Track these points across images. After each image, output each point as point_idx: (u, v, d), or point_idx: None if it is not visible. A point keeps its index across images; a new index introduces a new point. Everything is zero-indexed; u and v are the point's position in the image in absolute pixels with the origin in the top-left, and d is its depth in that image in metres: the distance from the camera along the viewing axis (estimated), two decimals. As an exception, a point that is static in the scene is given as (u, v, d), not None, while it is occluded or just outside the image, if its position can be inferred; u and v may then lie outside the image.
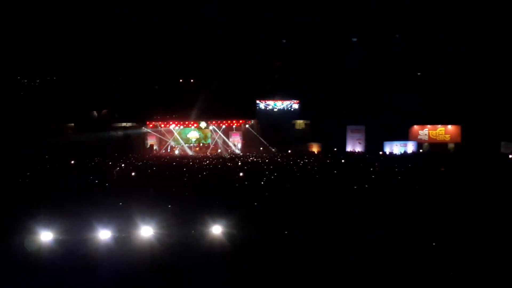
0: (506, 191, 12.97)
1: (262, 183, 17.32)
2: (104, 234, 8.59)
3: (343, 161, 27.70)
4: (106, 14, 35.19)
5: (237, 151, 39.60)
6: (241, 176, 19.16)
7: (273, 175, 19.53)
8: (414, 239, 8.41)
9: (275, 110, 42.19)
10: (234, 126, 41.21)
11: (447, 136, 38.51)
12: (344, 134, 38.84)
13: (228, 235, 8.68)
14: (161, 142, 41.51)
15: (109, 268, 7.61)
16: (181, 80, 42.75)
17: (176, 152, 40.04)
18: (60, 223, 8.82)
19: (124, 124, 41.88)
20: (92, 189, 15.87)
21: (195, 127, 41.35)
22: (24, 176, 19.33)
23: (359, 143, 38.51)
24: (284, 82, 41.18)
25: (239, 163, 26.58)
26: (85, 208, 10.57)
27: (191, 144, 41.69)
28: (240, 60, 38.64)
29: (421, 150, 37.72)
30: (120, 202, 11.99)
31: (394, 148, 37.05)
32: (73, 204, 11.24)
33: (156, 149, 40.72)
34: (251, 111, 41.32)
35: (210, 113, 39.91)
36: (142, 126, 40.66)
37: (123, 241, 8.56)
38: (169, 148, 41.11)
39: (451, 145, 38.16)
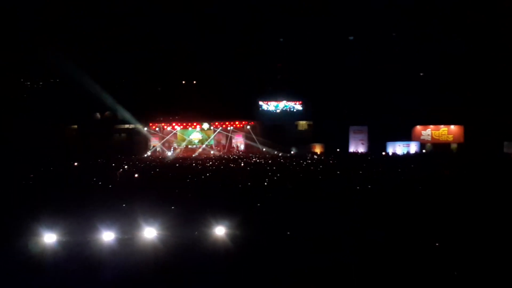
0: (509, 191, 12.95)
1: (265, 183, 17.33)
2: (107, 236, 8.61)
3: (345, 161, 27.66)
4: (106, 14, 35.26)
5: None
6: (244, 177, 19.17)
7: (275, 176, 19.54)
8: (416, 239, 8.41)
9: (278, 111, 42.20)
10: (235, 127, 41.26)
11: (450, 136, 38.44)
12: (346, 135, 38.78)
13: (231, 236, 8.70)
14: (164, 143, 41.51)
15: (112, 270, 7.63)
16: (183, 82, 42.80)
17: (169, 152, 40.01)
18: (64, 225, 8.84)
19: (127, 125, 41.92)
20: (96, 190, 15.90)
21: (199, 128, 41.37)
22: (28, 178, 19.38)
23: (362, 143, 38.46)
24: (287, 83, 41.19)
25: (242, 164, 26.60)
26: (89, 210, 10.60)
27: (194, 146, 41.69)
28: (243, 61, 38.65)
29: (424, 151, 37.64)
30: (124, 204, 12.01)
31: (397, 148, 36.98)
32: (77, 206, 11.27)
33: (159, 150, 40.74)
34: (253, 112, 41.32)
35: (213, 114, 39.95)
36: (145, 128, 40.70)
37: (126, 243, 8.59)
38: (171, 149, 41.07)
39: (454, 145, 38.09)
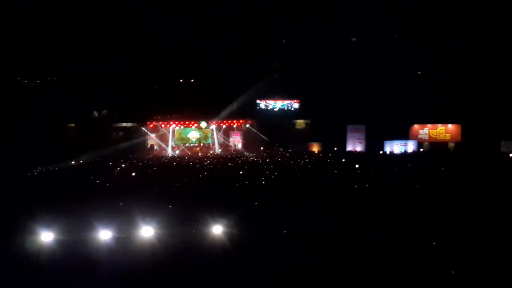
0: (506, 190, 12.98)
1: (263, 182, 17.35)
2: (104, 234, 8.61)
3: (343, 160, 27.69)
4: (106, 14, 35.18)
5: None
6: (242, 176, 19.19)
7: (273, 175, 19.55)
8: (413, 238, 8.42)
9: (276, 109, 42.19)
10: (234, 126, 41.23)
11: (447, 135, 38.47)
12: (344, 134, 38.80)
13: (228, 235, 8.70)
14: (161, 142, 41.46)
15: (109, 269, 7.63)
16: (181, 80, 42.75)
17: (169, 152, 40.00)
18: (61, 224, 8.84)
19: (124, 124, 41.87)
20: (93, 189, 15.88)
21: (196, 127, 41.33)
22: (25, 177, 19.36)
23: (360, 142, 38.47)
24: (285, 81, 41.15)
25: (240, 163, 26.62)
26: (86, 209, 10.59)
27: (191, 144, 41.64)
28: (241, 60, 38.62)
29: (421, 149, 37.69)
30: (121, 202, 12.00)
31: (395, 147, 37.02)
32: (74, 205, 11.26)
33: (156, 149, 40.68)
34: (251, 111, 41.31)
35: (210, 113, 39.92)
36: (142, 126, 40.64)
37: (123, 241, 8.58)
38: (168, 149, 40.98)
39: (451, 144, 38.11)
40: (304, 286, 6.99)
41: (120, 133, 41.73)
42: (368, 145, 37.84)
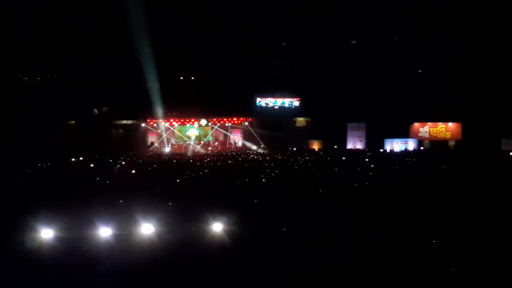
0: (507, 188, 12.97)
1: (263, 180, 17.35)
2: (104, 232, 8.60)
3: (343, 158, 27.68)
4: (106, 14, 35.11)
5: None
6: (242, 174, 19.18)
7: (273, 173, 19.55)
8: (413, 238, 8.40)
9: (276, 107, 42.17)
10: (233, 124, 41.24)
11: (447, 133, 38.44)
12: (344, 132, 38.78)
13: (228, 233, 8.69)
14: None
15: (109, 266, 7.62)
16: (181, 78, 42.69)
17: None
18: (61, 221, 8.83)
19: (124, 121, 41.86)
20: (93, 186, 15.87)
21: (196, 123, 41.30)
22: (25, 174, 19.34)
23: (360, 140, 38.45)
24: (285, 79, 41.11)
25: (240, 160, 26.61)
26: (86, 206, 10.58)
27: (191, 142, 41.60)
28: (241, 57, 38.56)
29: (422, 148, 37.68)
30: (121, 200, 11.99)
31: (395, 145, 36.99)
32: (74, 202, 11.25)
33: (156, 146, 40.67)
34: (251, 109, 41.29)
35: (210, 111, 39.90)
36: (142, 124, 40.63)
37: (123, 239, 8.57)
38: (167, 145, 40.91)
39: (451, 143, 38.09)
40: (304, 287, 6.97)
41: (120, 131, 41.73)
42: (368, 143, 37.82)
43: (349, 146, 38.43)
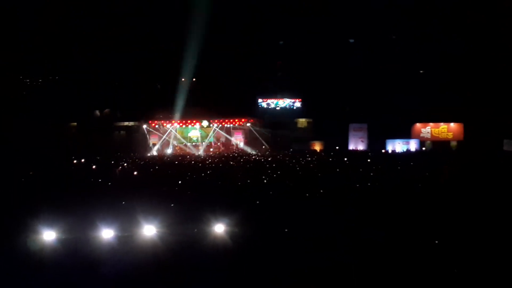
0: (509, 189, 12.96)
1: (265, 181, 17.35)
2: (107, 233, 8.61)
3: (345, 159, 27.66)
4: (106, 14, 35.19)
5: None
6: (244, 175, 19.19)
7: (275, 174, 19.55)
8: (413, 238, 8.40)
9: (278, 108, 42.18)
10: (236, 125, 41.23)
11: (449, 134, 38.42)
12: (346, 133, 38.74)
13: (230, 234, 8.70)
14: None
15: (112, 267, 7.63)
16: (183, 79, 42.73)
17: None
18: (63, 223, 8.85)
19: (126, 123, 41.90)
20: (95, 188, 15.90)
21: (198, 125, 41.31)
22: (27, 176, 19.38)
23: (362, 141, 38.41)
24: (287, 80, 41.12)
25: (242, 162, 26.62)
26: (88, 208, 10.60)
27: (193, 143, 41.61)
28: (243, 59, 38.60)
29: (423, 148, 37.65)
30: (123, 201, 12.02)
31: (397, 146, 36.96)
32: (76, 204, 11.27)
33: (158, 148, 40.67)
34: (253, 110, 41.30)
35: (212, 112, 39.91)
36: (144, 125, 40.66)
37: (125, 240, 8.59)
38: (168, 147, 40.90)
39: (453, 143, 38.06)
40: (304, 287, 6.99)
41: (122, 132, 41.78)
42: (370, 144, 37.80)
43: (351, 147, 38.39)
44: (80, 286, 7.29)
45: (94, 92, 39.56)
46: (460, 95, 34.34)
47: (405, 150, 36.48)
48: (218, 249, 8.27)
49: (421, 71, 38.57)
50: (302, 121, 42.51)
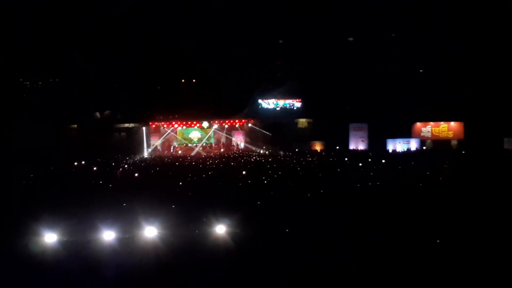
0: (509, 187, 12.95)
1: (265, 182, 17.36)
2: (108, 235, 8.62)
3: (345, 159, 27.66)
4: (106, 14, 35.22)
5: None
6: (244, 175, 19.20)
7: (276, 174, 19.56)
8: (413, 238, 8.40)
9: (278, 108, 42.20)
10: (237, 125, 41.25)
11: (450, 133, 38.43)
12: (346, 132, 38.75)
13: (231, 235, 8.71)
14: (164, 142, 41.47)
15: (113, 269, 7.64)
16: (183, 80, 42.77)
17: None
18: (64, 225, 8.85)
19: (126, 124, 41.93)
20: (96, 190, 15.91)
21: (198, 126, 41.36)
22: (28, 178, 19.40)
23: (362, 141, 38.43)
24: (287, 81, 41.14)
25: (242, 162, 26.63)
26: (89, 209, 10.62)
27: (193, 144, 41.63)
28: (243, 59, 38.62)
29: (424, 147, 37.64)
30: (124, 203, 12.02)
31: (397, 145, 36.97)
32: (77, 206, 11.28)
33: (159, 149, 40.70)
34: (253, 110, 41.32)
35: (212, 113, 39.96)
36: (145, 127, 40.66)
37: (127, 242, 8.60)
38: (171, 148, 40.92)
39: (454, 142, 38.06)
40: (304, 287, 6.99)
41: (123, 134, 41.80)
42: (370, 144, 37.79)
43: (352, 146, 38.40)
44: (82, 288, 7.32)
45: (94, 93, 39.60)
46: (460, 95, 34.34)
47: (405, 149, 36.47)
48: (219, 250, 8.27)
49: (421, 71, 38.56)
50: (302, 121, 42.54)
